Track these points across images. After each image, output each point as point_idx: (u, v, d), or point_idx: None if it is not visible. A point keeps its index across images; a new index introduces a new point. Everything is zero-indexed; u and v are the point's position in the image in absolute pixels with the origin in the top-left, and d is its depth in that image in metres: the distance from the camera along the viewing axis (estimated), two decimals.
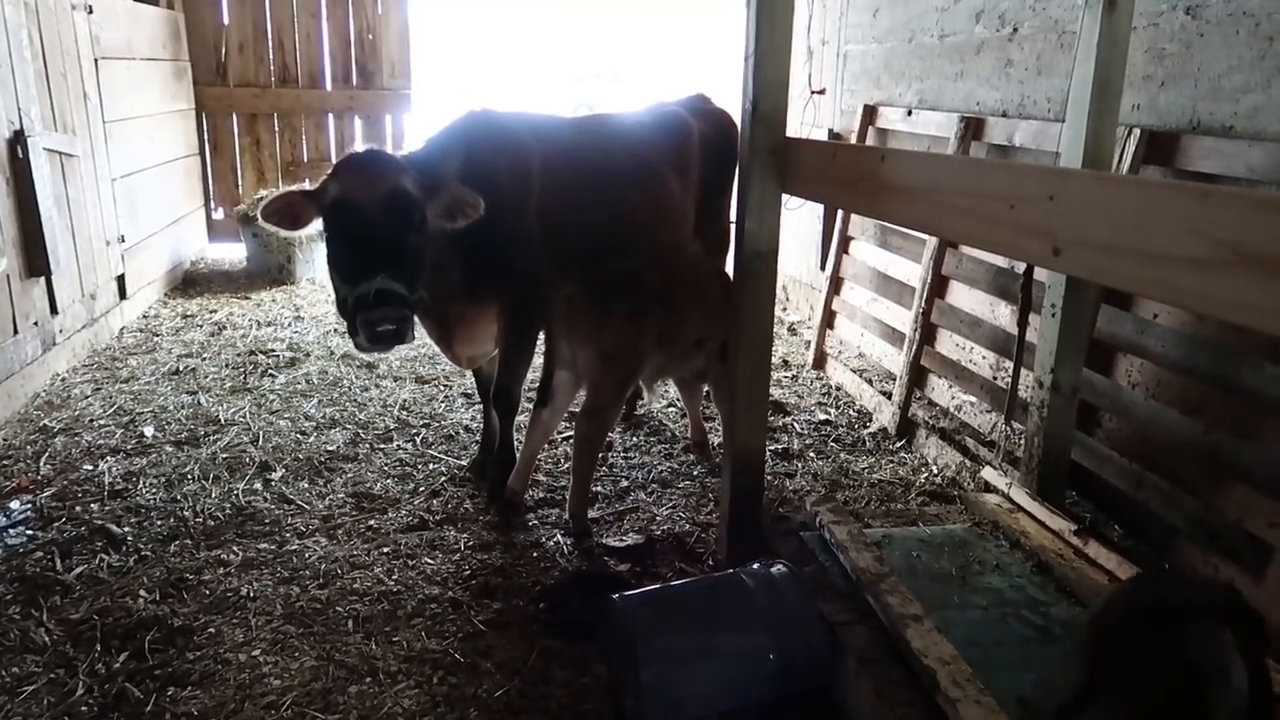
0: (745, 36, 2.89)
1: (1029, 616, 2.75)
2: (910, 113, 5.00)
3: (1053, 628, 2.70)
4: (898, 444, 4.60)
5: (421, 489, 4.05)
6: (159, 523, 3.70)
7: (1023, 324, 3.33)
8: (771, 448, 4.50)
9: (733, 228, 3.17)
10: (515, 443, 4.04)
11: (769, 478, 4.17)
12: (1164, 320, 3.21)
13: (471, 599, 3.20)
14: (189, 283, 7.79)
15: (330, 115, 8.86)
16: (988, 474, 3.61)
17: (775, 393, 5.24)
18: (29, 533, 3.62)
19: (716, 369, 4.25)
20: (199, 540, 3.57)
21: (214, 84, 8.57)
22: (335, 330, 6.39)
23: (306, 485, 4.06)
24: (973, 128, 4.39)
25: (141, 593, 3.21)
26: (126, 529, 3.63)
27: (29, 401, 4.91)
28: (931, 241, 4.49)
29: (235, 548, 3.51)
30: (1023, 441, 3.58)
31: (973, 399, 4.20)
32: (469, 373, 5.56)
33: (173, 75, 7.88)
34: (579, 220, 3.79)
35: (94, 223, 5.92)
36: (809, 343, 6.08)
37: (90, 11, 5.94)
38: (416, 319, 3.39)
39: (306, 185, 3.20)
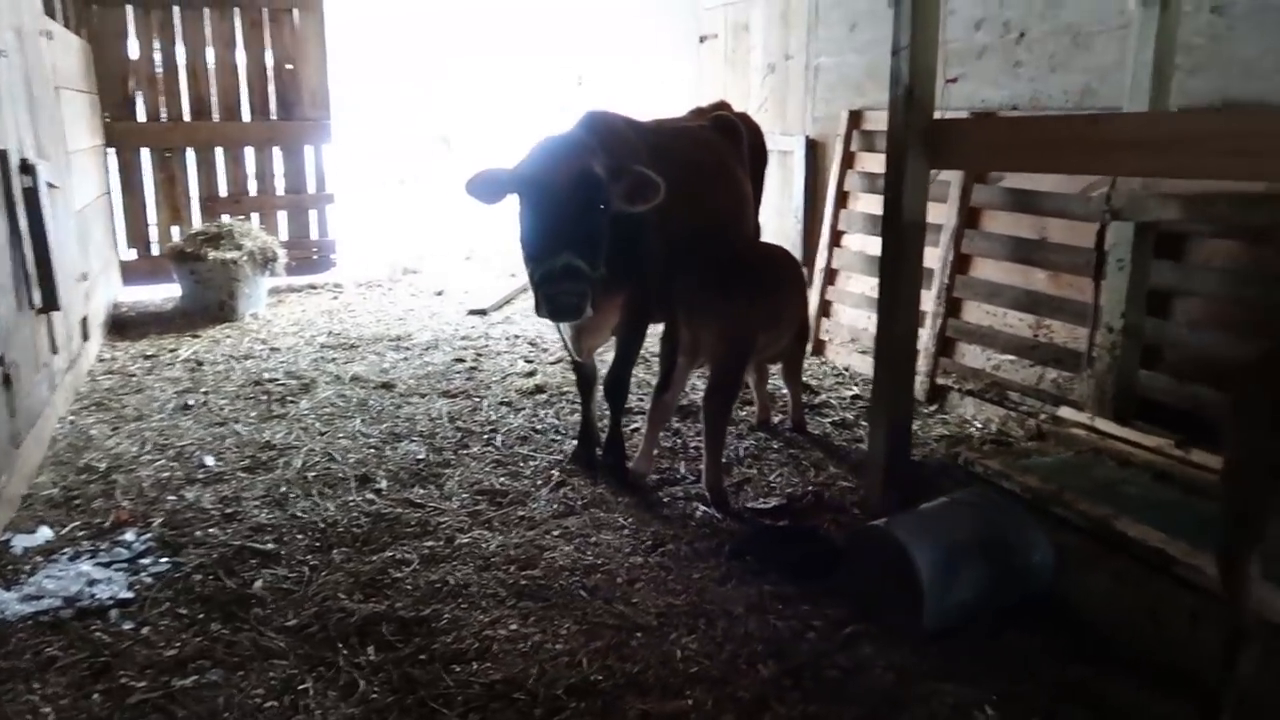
0: (894, 34, 3.30)
1: (1187, 507, 3.17)
2: None
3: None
4: (930, 408, 5.09)
5: (539, 482, 4.15)
6: (299, 536, 3.63)
7: (1098, 279, 3.89)
8: (827, 419, 4.91)
9: (882, 200, 3.54)
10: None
11: (840, 445, 4.58)
12: (1215, 264, 3.82)
13: (671, 562, 3.39)
14: (118, 326, 7.29)
15: (249, 148, 8.59)
16: (1065, 412, 4.13)
17: None
18: (166, 560, 3.47)
19: (792, 349, 4.62)
20: (358, 547, 3.55)
21: (123, 118, 8.13)
22: (324, 359, 6.26)
23: (422, 490, 4.07)
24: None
25: (341, 594, 3.18)
26: (271, 545, 3.56)
27: (49, 445, 4.60)
28: (950, 223, 5.03)
29: (404, 548, 3.52)
30: (1090, 385, 4.13)
31: (1011, 357, 4.75)
32: (494, 384, 5.65)
33: (89, 109, 7.45)
34: (682, 217, 4.06)
35: (70, 259, 5.57)
36: None
37: (50, 38, 5.63)
38: None
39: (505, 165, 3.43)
